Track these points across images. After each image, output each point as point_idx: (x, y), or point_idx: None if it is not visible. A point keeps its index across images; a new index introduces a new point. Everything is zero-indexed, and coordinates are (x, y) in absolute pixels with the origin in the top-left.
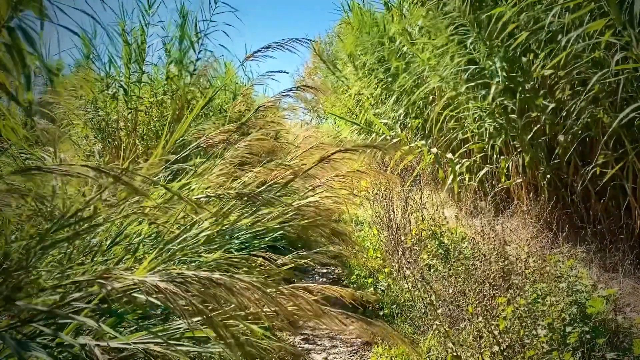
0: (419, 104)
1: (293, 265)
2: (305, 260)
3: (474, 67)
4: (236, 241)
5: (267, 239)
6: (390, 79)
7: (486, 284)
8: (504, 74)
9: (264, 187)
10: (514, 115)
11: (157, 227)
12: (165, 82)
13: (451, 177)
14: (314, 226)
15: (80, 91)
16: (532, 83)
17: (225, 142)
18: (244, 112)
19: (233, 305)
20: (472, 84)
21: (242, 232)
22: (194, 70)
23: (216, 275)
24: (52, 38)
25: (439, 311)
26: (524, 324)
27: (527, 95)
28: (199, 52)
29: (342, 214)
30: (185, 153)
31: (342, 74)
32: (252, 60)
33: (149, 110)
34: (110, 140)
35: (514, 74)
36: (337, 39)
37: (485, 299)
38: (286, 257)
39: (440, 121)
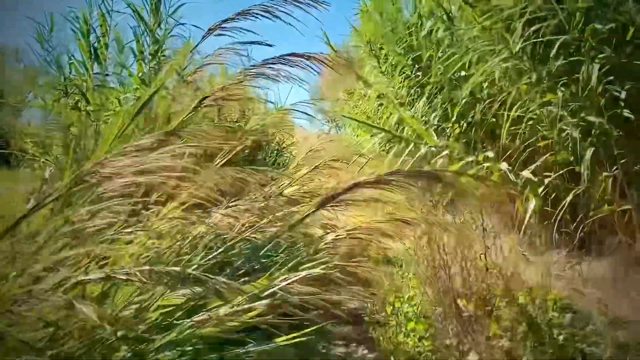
0: (464, 103)
1: None
2: None
3: (562, 37)
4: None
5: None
6: (419, 74)
7: None
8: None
9: (218, 252)
10: (626, 111)
11: None
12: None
13: (531, 205)
14: None
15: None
16: None
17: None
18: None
19: None
20: (559, 62)
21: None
22: (157, 65)
23: None
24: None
25: None
26: None
27: None
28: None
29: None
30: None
31: (361, 73)
32: (220, 34)
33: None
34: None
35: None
36: (352, 31)
37: None
38: None
39: (506, 125)
